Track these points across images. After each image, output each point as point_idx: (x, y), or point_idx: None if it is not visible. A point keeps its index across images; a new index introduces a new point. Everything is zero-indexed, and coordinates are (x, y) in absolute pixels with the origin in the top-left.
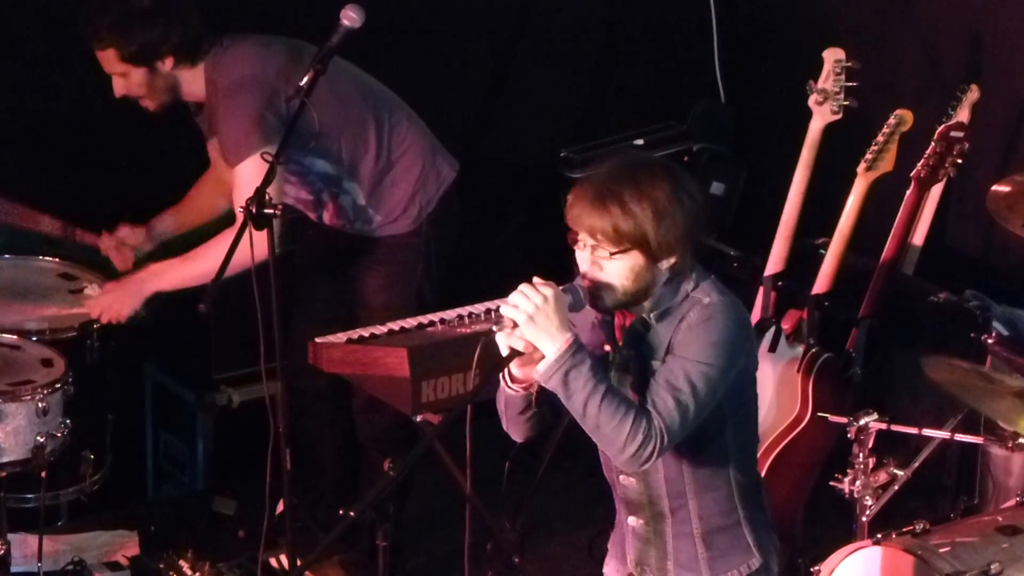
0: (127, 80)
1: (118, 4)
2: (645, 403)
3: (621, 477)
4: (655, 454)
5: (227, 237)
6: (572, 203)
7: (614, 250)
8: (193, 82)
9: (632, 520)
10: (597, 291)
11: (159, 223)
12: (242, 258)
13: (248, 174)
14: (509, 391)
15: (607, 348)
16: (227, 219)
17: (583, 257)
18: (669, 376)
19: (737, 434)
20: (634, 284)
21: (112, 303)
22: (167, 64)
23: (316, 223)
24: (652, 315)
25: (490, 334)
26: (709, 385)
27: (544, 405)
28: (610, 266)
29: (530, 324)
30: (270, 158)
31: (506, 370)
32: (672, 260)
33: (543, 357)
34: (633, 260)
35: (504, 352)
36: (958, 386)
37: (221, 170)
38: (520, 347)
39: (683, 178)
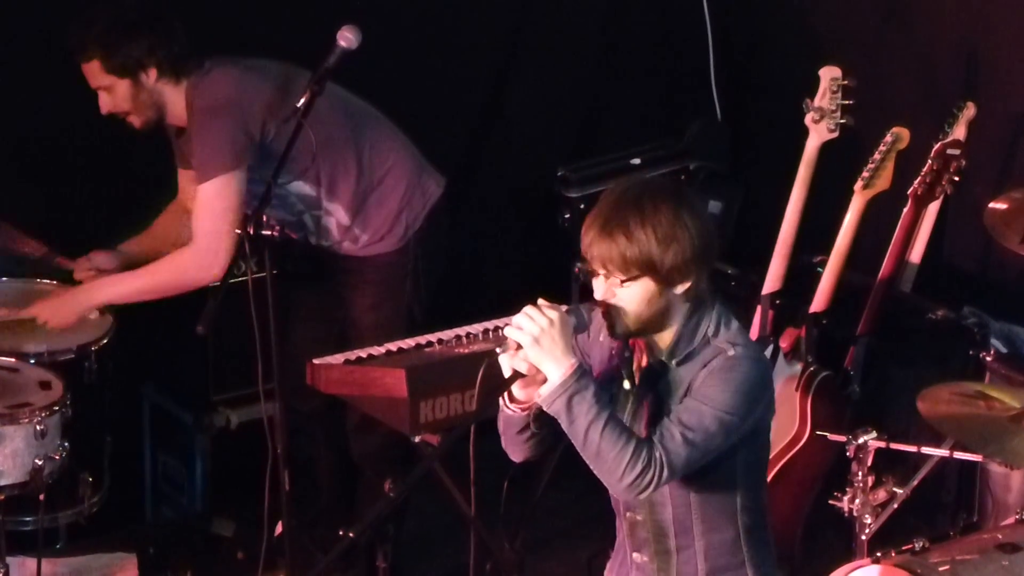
0: (112, 95)
1: (105, 16)
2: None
3: (628, 513)
4: (653, 485)
5: (178, 256)
6: (583, 234)
7: (624, 277)
8: (176, 103)
9: (637, 556)
10: (611, 318)
11: (127, 247)
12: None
13: (212, 194)
14: (508, 411)
15: (626, 385)
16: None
17: (597, 285)
18: (682, 414)
19: (747, 479)
20: (648, 310)
21: (60, 309)
22: (151, 76)
23: (304, 244)
24: (672, 360)
25: (493, 355)
26: (720, 430)
27: (545, 427)
28: (623, 293)
29: (535, 346)
30: (242, 179)
31: (506, 391)
32: (686, 285)
33: (546, 380)
34: (645, 287)
35: (507, 373)
36: (956, 426)
37: (187, 199)
38: (523, 369)
39: (689, 200)
